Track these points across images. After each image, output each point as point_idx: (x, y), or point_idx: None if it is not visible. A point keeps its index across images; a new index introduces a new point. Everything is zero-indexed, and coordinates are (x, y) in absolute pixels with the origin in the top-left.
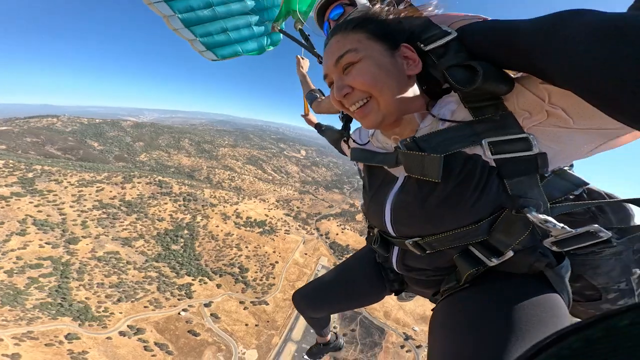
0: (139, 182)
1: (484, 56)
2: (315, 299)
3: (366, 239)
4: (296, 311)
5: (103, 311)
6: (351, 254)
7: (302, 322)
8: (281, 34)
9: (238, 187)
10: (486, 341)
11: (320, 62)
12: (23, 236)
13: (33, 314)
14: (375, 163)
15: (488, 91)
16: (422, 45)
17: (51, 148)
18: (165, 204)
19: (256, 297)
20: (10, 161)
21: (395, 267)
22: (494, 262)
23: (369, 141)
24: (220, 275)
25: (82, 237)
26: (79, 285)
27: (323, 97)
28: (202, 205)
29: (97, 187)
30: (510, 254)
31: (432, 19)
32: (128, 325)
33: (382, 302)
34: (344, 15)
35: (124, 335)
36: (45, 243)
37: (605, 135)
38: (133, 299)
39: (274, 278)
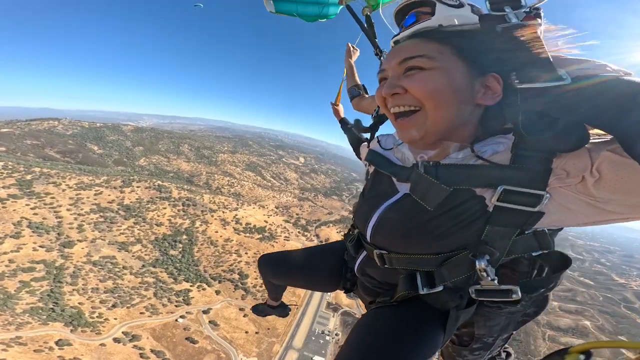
0: (138, 187)
1: (579, 110)
2: (277, 269)
3: (344, 235)
4: (297, 319)
5: (97, 317)
6: (325, 244)
7: (303, 329)
8: (341, 9)
9: (237, 193)
10: (352, 351)
11: (377, 54)
12: (17, 239)
13: (23, 318)
14: (387, 172)
15: (549, 146)
16: (517, 80)
17: (51, 151)
18: (164, 208)
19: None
20: (10, 163)
21: (355, 268)
22: (424, 291)
23: (391, 149)
24: (220, 282)
25: (78, 240)
26: (73, 290)
27: (367, 96)
28: (202, 211)
29: (95, 190)
30: (440, 288)
31: (552, 58)
32: (123, 332)
33: None
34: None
35: (119, 342)
36: (40, 246)
37: (614, 216)
38: (129, 305)
39: None
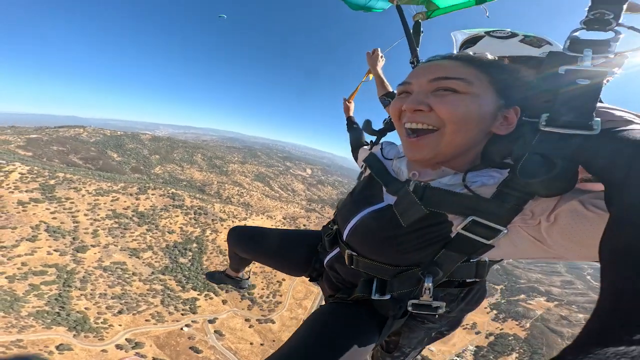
0: (153, 194)
1: (588, 159)
2: (248, 244)
3: (323, 227)
4: None
5: (102, 322)
6: (300, 230)
7: None
8: (390, 7)
9: (246, 203)
10: (295, 343)
11: (412, 62)
12: (33, 242)
13: (26, 322)
14: (381, 180)
15: (534, 188)
16: (544, 122)
17: (74, 157)
18: (177, 216)
19: (262, 315)
20: (35, 168)
21: (325, 261)
22: (375, 297)
23: (391, 159)
24: (227, 291)
25: (91, 245)
26: (81, 294)
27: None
28: (212, 220)
29: (112, 196)
30: (388, 297)
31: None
32: (126, 339)
33: None
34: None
35: (121, 349)
36: (54, 250)
37: (555, 257)
38: (135, 312)
39: (280, 296)
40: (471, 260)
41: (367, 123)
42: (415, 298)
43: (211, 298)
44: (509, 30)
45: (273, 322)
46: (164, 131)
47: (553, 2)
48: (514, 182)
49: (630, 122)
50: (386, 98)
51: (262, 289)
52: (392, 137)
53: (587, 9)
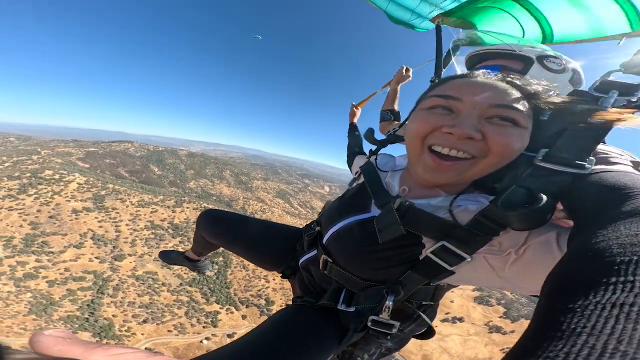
0: (187, 207)
1: (570, 196)
2: (219, 229)
3: (305, 226)
4: None
5: (126, 330)
6: (279, 224)
7: None
8: (432, 27)
9: (268, 219)
10: (254, 338)
11: (432, 81)
12: (78, 249)
13: (55, 325)
14: (371, 190)
15: (507, 221)
16: (540, 157)
17: (122, 170)
18: None
19: None
20: (91, 179)
21: (300, 261)
22: (342, 307)
23: (386, 172)
24: (247, 306)
25: (128, 254)
26: (111, 301)
27: (396, 123)
28: None
29: (152, 208)
30: (352, 309)
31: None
32: (146, 348)
33: (420, 344)
34: None
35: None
36: (95, 257)
37: (508, 288)
38: (159, 322)
39: None
40: (431, 284)
41: (370, 131)
42: (375, 314)
43: (232, 312)
44: (563, 59)
45: None
46: (197, 147)
47: None
48: (492, 212)
49: (615, 163)
50: (388, 113)
51: (281, 306)
52: (392, 149)
53: (635, 52)
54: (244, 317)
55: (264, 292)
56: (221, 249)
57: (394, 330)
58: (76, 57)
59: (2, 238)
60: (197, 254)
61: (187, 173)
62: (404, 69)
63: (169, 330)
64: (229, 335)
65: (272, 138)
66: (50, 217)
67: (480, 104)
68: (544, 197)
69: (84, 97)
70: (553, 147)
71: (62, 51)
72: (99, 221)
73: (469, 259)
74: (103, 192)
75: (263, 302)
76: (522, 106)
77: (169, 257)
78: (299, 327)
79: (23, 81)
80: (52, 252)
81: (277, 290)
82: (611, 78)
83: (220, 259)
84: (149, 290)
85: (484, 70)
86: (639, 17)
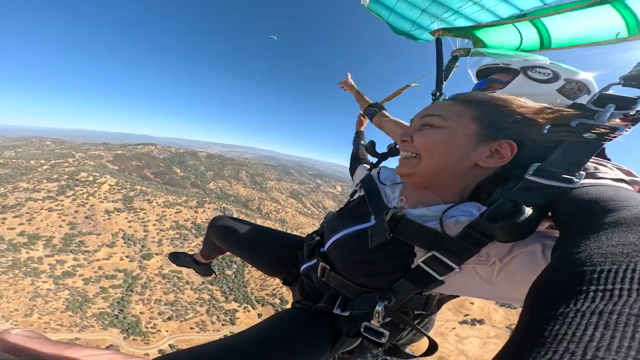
0: (208, 208)
1: (556, 209)
2: (228, 235)
3: (307, 235)
4: None
5: (151, 327)
6: (282, 233)
7: None
8: (430, 40)
9: (282, 219)
10: (247, 336)
11: (434, 95)
12: (111, 248)
13: (88, 322)
14: (370, 203)
15: (494, 233)
16: (531, 171)
17: (147, 171)
18: None
19: None
20: (121, 180)
21: (301, 269)
22: (337, 312)
23: (385, 185)
24: (263, 305)
25: (155, 253)
26: (139, 299)
27: (386, 112)
28: None
29: (176, 209)
30: (347, 314)
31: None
32: (169, 344)
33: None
34: (488, 89)
35: (162, 354)
36: (125, 256)
37: (498, 299)
38: (182, 319)
39: None
40: (423, 294)
41: (372, 144)
42: (368, 321)
43: (249, 311)
44: (550, 68)
45: None
46: (214, 149)
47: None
48: (479, 224)
49: (602, 178)
50: (371, 108)
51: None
52: (393, 162)
53: (635, 65)
54: (259, 315)
55: (278, 291)
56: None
57: (384, 340)
58: (103, 66)
59: (43, 237)
60: (205, 257)
61: (206, 174)
62: (346, 81)
63: (191, 328)
64: None
65: (284, 139)
66: (86, 217)
67: (416, 118)
68: (528, 210)
69: (112, 102)
70: (545, 162)
71: (89, 60)
72: (128, 221)
73: (458, 269)
74: (132, 194)
75: (278, 301)
76: (441, 111)
77: (177, 259)
78: (292, 326)
79: (57, 88)
80: (88, 251)
81: (290, 290)
82: (610, 91)
83: (239, 258)
84: (174, 288)
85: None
86: (638, 23)
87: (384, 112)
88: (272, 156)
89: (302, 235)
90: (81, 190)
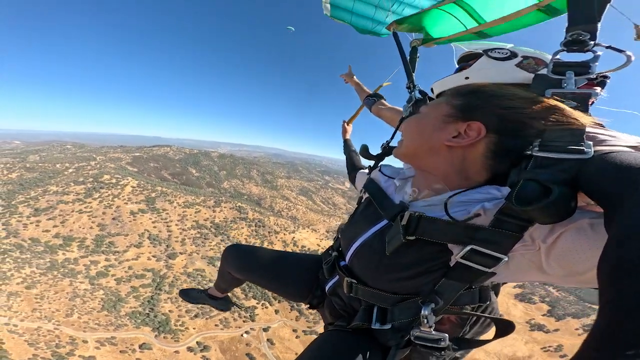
0: (225, 207)
1: (583, 183)
2: (244, 263)
3: (324, 253)
4: None
5: (180, 325)
6: (299, 255)
7: None
8: (389, 34)
9: (294, 216)
10: None
11: (408, 87)
12: (138, 248)
13: (122, 321)
14: (378, 206)
15: (532, 216)
16: (537, 147)
17: (165, 173)
18: (242, 228)
19: (308, 327)
20: (142, 182)
21: (327, 288)
22: (376, 326)
23: (393, 178)
24: (279, 301)
25: (180, 253)
26: (167, 297)
27: (385, 102)
28: (269, 232)
29: (195, 209)
30: (388, 326)
31: (589, 131)
32: (197, 342)
33: None
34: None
35: (191, 351)
36: (152, 256)
37: (555, 281)
38: (207, 317)
39: None
40: (473, 287)
41: (364, 148)
42: (417, 328)
43: (267, 307)
44: (508, 48)
45: (317, 333)
46: (224, 149)
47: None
48: (510, 209)
49: (613, 145)
50: (371, 98)
51: (309, 303)
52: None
53: (564, 30)
54: (276, 312)
55: None
56: None
57: (444, 344)
58: (116, 70)
59: (76, 239)
60: (221, 290)
61: (220, 174)
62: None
63: (215, 325)
64: (264, 329)
65: (289, 136)
66: (114, 218)
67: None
68: (556, 188)
69: (124, 105)
70: (544, 137)
71: (101, 65)
72: (152, 222)
73: (506, 259)
74: (153, 195)
75: None
76: (432, 103)
77: (189, 296)
78: (336, 353)
79: (73, 93)
80: (118, 252)
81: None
82: (558, 57)
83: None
84: (199, 287)
85: None
86: None
87: (383, 100)
88: (279, 154)
89: (318, 253)
90: (106, 192)
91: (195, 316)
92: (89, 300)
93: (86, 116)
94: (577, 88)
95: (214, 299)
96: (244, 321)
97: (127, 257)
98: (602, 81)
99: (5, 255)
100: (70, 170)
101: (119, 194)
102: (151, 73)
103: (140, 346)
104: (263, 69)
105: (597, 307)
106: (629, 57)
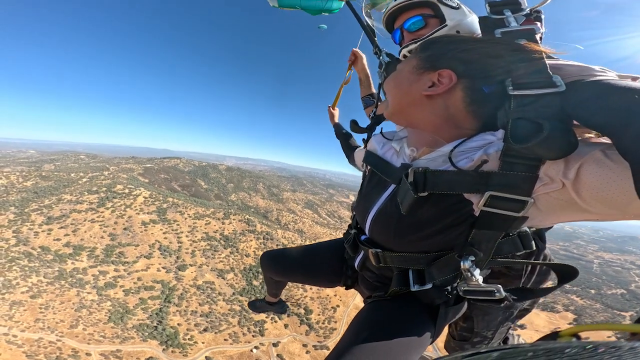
0: (234, 219)
1: (571, 115)
2: (278, 265)
3: (344, 234)
4: None
5: (189, 339)
6: (324, 243)
7: None
8: (344, 4)
9: (300, 229)
10: (348, 341)
11: (375, 53)
12: (148, 259)
13: (129, 333)
14: (382, 174)
15: (537, 153)
16: (510, 87)
17: (175, 184)
18: (251, 240)
19: (318, 341)
20: (153, 193)
21: (356, 264)
22: (415, 288)
23: (391, 140)
24: (288, 315)
25: (190, 265)
26: (176, 310)
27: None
28: (276, 245)
29: (206, 220)
30: (429, 286)
31: (549, 64)
32: (206, 357)
33: None
34: (425, 28)
35: None
36: (162, 267)
37: (596, 217)
38: (216, 331)
39: (335, 322)
40: (511, 235)
41: (354, 122)
42: (464, 282)
43: (276, 321)
44: None
45: (328, 348)
46: (230, 161)
47: None
48: (513, 149)
49: (593, 74)
50: (369, 98)
51: (319, 315)
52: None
53: None
54: (286, 326)
55: (302, 301)
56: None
57: (499, 295)
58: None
59: (87, 249)
60: (273, 295)
61: (227, 186)
62: (356, 51)
63: (224, 339)
64: (274, 344)
65: (292, 150)
66: (125, 228)
67: None
68: (546, 123)
69: (134, 118)
70: (513, 77)
71: (112, 79)
72: (163, 233)
73: (532, 200)
74: (165, 205)
75: (302, 311)
76: (408, 57)
77: (255, 307)
78: (377, 324)
79: (88, 105)
80: (127, 262)
81: (314, 299)
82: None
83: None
84: (208, 300)
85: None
86: None
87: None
88: (283, 167)
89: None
90: (119, 202)
91: (204, 330)
92: (95, 311)
93: (98, 128)
94: (520, 25)
95: (272, 304)
96: (253, 336)
97: (137, 267)
98: (537, 17)
99: (13, 263)
100: (84, 180)
101: (131, 204)
102: (160, 87)
103: None
104: (265, 84)
105: (625, 314)
106: None
